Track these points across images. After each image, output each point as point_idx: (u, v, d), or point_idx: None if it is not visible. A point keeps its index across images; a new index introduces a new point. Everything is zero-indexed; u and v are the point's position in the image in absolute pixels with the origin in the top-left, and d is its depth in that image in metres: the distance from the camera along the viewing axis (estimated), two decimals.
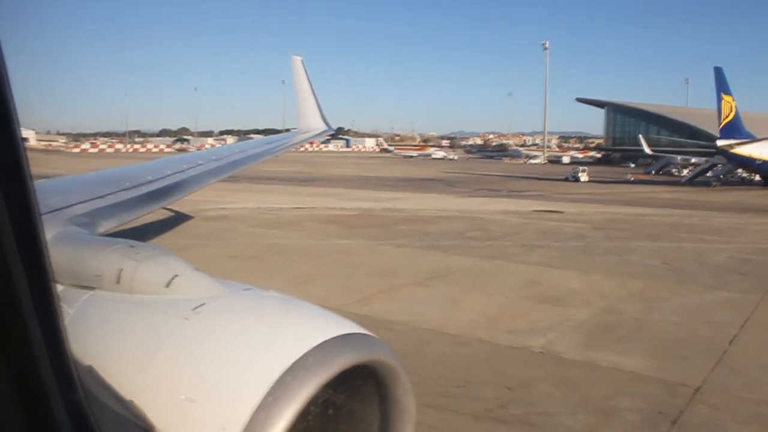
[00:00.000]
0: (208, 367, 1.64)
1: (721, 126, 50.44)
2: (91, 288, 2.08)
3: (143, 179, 5.43)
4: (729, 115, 50.15)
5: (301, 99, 17.14)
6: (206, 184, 6.72)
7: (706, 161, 56.70)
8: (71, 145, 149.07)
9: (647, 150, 67.83)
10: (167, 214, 18.40)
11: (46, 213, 3.10)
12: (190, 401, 1.58)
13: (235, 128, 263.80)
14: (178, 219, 20.10)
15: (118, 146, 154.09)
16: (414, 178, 57.47)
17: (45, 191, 3.85)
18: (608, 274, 15.80)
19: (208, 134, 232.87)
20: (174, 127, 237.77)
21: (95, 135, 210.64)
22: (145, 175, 5.61)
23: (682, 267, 16.96)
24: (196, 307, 1.82)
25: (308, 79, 17.48)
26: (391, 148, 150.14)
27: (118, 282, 2.02)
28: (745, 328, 11.41)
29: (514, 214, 28.78)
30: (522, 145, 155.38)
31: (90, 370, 1.69)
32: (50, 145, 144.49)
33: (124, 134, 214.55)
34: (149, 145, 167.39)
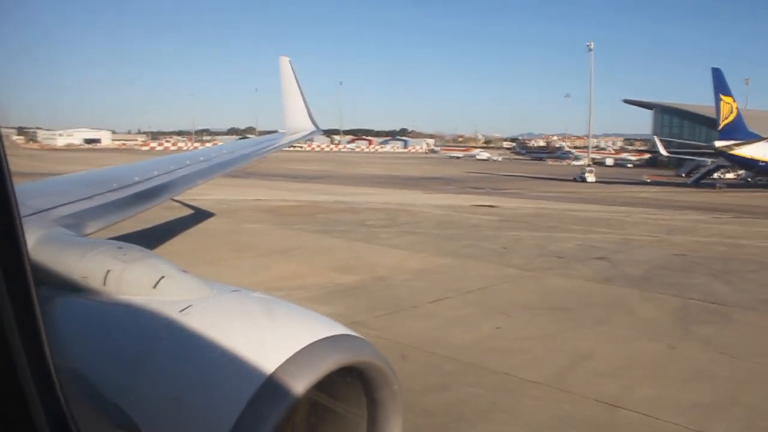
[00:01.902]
0: (195, 368, 1.66)
1: (720, 127, 50.08)
2: (78, 289, 2.07)
3: (130, 180, 5.44)
4: (729, 116, 49.74)
5: (289, 100, 17.16)
6: (194, 184, 6.66)
7: (712, 162, 55.98)
8: (142, 144, 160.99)
9: (663, 152, 67.12)
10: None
11: (31, 214, 3.14)
12: (177, 402, 1.60)
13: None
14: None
15: (180, 144, 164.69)
16: (423, 177, 59.74)
17: (31, 193, 3.89)
18: (432, 253, 18.15)
19: (273, 132, 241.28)
20: (242, 126, 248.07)
21: (171, 134, 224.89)
22: (132, 176, 5.61)
23: (512, 250, 19.07)
24: (183, 309, 1.82)
25: (296, 79, 17.56)
26: (437, 149, 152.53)
27: (104, 283, 2.02)
28: (472, 292, 13.75)
29: (448, 207, 31.03)
30: (584, 148, 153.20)
31: (75, 373, 1.67)
32: (124, 144, 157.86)
33: (194, 133, 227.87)
34: (209, 144, 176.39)
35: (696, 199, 40.61)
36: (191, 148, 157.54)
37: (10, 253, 1.22)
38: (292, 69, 17.30)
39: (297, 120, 16.56)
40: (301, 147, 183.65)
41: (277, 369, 1.57)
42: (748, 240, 22.45)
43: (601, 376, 8.99)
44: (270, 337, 1.73)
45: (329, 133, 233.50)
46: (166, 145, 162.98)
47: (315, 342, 1.67)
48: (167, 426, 1.60)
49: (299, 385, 1.56)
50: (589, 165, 70.52)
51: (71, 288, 2.08)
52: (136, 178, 5.57)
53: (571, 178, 60.00)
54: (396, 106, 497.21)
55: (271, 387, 1.54)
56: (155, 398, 1.63)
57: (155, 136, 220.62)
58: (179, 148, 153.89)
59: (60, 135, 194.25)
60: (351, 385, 1.82)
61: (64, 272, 2.14)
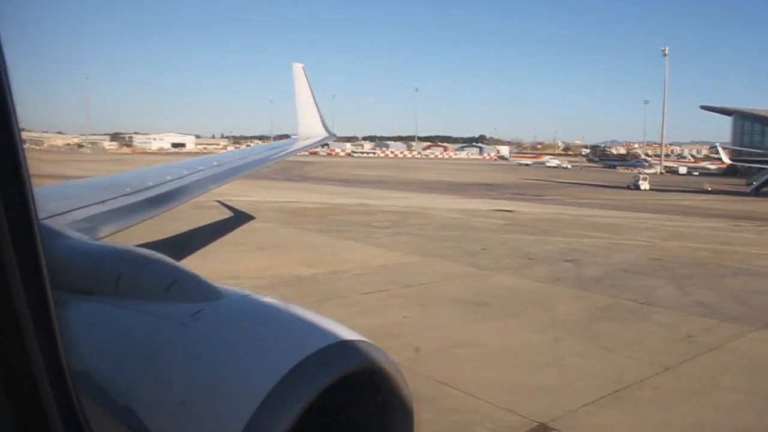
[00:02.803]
0: (206, 372, 1.67)
1: None
2: (90, 293, 2.08)
3: (144, 185, 5.46)
4: None
5: (302, 106, 17.35)
6: (207, 189, 6.72)
7: None
8: (222, 148, 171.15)
9: (725, 159, 64.15)
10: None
11: (45, 218, 3.15)
12: (188, 406, 1.61)
13: (377, 134, 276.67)
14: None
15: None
16: (472, 183, 59.99)
17: (45, 196, 3.89)
18: (408, 252, 19.00)
19: (352, 139, 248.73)
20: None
21: (251, 138, 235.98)
22: (146, 181, 5.64)
23: (490, 251, 19.60)
24: (194, 313, 1.83)
25: (309, 85, 17.73)
26: (507, 156, 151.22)
27: (116, 287, 2.04)
28: (411, 287, 14.61)
29: (466, 211, 31.61)
30: (666, 156, 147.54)
31: (87, 375, 1.68)
32: (205, 148, 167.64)
33: (272, 138, 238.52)
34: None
35: (737, 208, 39.10)
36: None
37: (28, 257, 1.25)
38: (305, 75, 17.68)
39: (310, 126, 16.91)
40: (374, 153, 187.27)
41: (286, 374, 1.57)
42: (746, 247, 21.90)
43: (457, 360, 9.69)
44: (281, 341, 1.74)
45: (406, 139, 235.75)
46: (231, 149, 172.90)
47: (326, 347, 1.67)
48: (178, 430, 1.61)
49: (310, 389, 1.56)
50: (642, 173, 68.22)
51: (84, 291, 2.09)
52: (150, 183, 5.62)
53: (625, 185, 58.61)
54: (476, 112, 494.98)
55: (280, 392, 1.55)
56: (166, 402, 1.64)
57: (237, 140, 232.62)
58: None
59: (154, 139, 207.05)
60: (361, 390, 1.80)
61: (77, 275, 2.15)
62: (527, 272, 16.53)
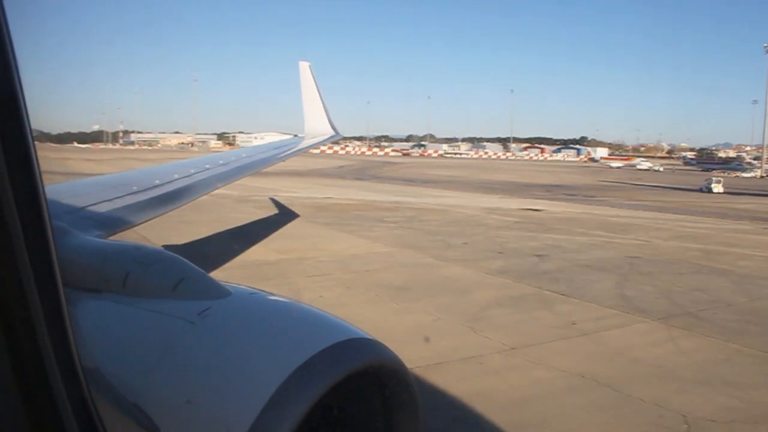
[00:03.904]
0: (213, 370, 1.68)
1: None
2: (98, 291, 2.10)
3: (151, 183, 5.48)
4: None
5: (309, 104, 17.60)
6: (214, 188, 6.74)
7: None
8: (323, 148, 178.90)
9: None
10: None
11: (54, 217, 2.89)
12: (194, 404, 1.62)
13: (476, 135, 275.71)
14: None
15: (349, 149, 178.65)
16: (536, 184, 59.12)
17: (53, 194, 3.85)
18: (388, 244, 19.98)
19: (451, 140, 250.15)
20: (420, 133, 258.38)
21: (351, 139, 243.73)
22: (153, 179, 5.66)
23: (469, 245, 20.19)
24: (202, 311, 1.84)
25: (316, 84, 17.93)
26: (597, 158, 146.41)
27: (124, 285, 2.06)
28: (357, 273, 15.71)
29: (491, 210, 31.83)
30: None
31: (96, 372, 1.70)
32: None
33: (372, 138, 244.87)
34: (387, 149, 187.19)
35: None
36: (356, 151, 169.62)
37: (41, 255, 1.25)
38: (312, 74, 17.97)
39: (316, 124, 17.24)
40: (467, 155, 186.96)
41: (294, 372, 1.57)
42: (747, 249, 21.08)
43: None
44: (287, 339, 1.75)
45: (505, 141, 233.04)
46: (336, 149, 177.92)
47: (333, 345, 1.67)
48: (185, 427, 1.62)
49: (317, 387, 1.56)
50: (717, 176, 64.53)
51: (92, 289, 2.10)
52: (157, 181, 5.64)
53: (697, 188, 55.98)
54: (578, 113, 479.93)
55: (287, 390, 1.54)
56: (173, 400, 1.64)
57: (336, 140, 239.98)
58: (347, 152, 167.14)
59: (255, 138, 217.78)
60: (368, 388, 1.81)
61: (86, 273, 2.18)
62: (484, 264, 17.09)
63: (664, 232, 24.69)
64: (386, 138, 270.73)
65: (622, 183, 66.39)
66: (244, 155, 9.54)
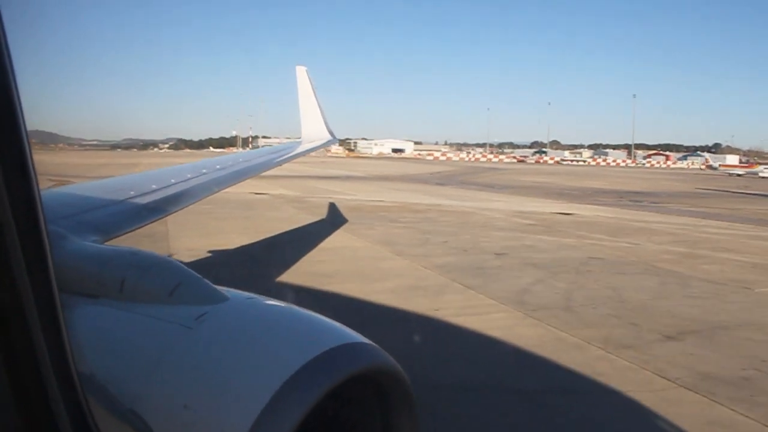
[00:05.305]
0: (210, 375, 1.71)
1: None
2: (95, 296, 2.11)
3: (148, 188, 5.50)
4: None
5: (306, 109, 18.02)
6: (210, 192, 6.72)
7: None
8: (442, 154, 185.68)
9: None
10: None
11: (50, 221, 2.91)
12: (190, 410, 1.63)
13: (602, 142, 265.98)
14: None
15: (462, 155, 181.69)
16: (619, 191, 57.00)
17: (49, 199, 3.79)
18: (370, 242, 21.40)
19: (576, 147, 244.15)
20: (544, 140, 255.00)
21: (473, 146, 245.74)
22: (150, 184, 5.68)
23: (448, 243, 21.11)
24: (198, 316, 1.87)
25: (313, 89, 18.32)
26: (715, 165, 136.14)
27: (121, 290, 2.07)
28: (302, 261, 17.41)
29: (517, 213, 32.00)
30: None
31: (92, 378, 1.70)
32: (419, 154, 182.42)
33: (494, 145, 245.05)
34: (502, 156, 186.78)
35: None
36: (469, 158, 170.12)
37: (37, 260, 1.25)
38: (309, 79, 18.45)
39: (313, 129, 17.71)
40: (585, 162, 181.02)
41: (291, 377, 1.59)
42: (729, 254, 20.17)
43: None
44: (285, 344, 1.78)
45: (635, 147, 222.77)
46: (449, 155, 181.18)
47: (331, 349, 1.70)
48: None
49: (314, 392, 1.58)
50: None
51: (88, 294, 2.10)
52: (154, 186, 5.65)
53: None
54: (710, 119, 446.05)
55: (284, 395, 1.55)
56: (171, 405, 1.66)
57: (460, 147, 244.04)
58: (448, 159, 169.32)
59: (375, 144, 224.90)
60: (365, 392, 1.83)
61: (82, 278, 2.19)
62: (432, 259, 17.98)
63: (669, 237, 23.99)
64: (510, 145, 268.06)
65: (723, 191, 62.31)
66: (241, 159, 9.64)
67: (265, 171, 10.59)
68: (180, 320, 1.90)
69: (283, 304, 2.06)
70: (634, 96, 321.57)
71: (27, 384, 1.28)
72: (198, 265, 12.02)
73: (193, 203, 6.13)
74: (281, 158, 11.88)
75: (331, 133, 18.02)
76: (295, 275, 15.39)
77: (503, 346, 10.26)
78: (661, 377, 9.01)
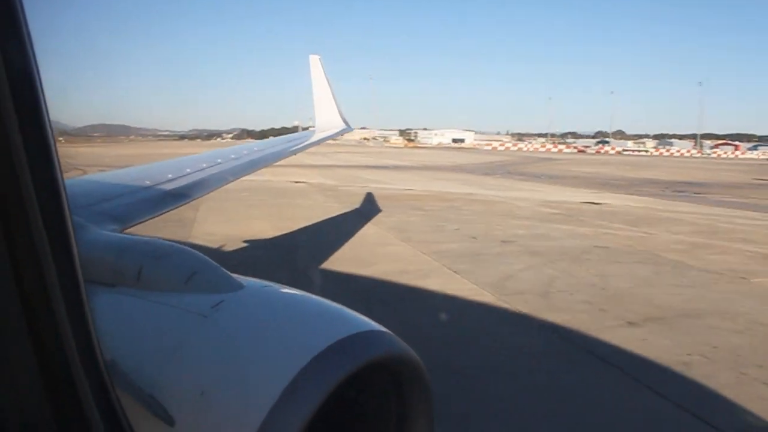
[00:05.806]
0: (226, 364, 1.72)
1: None
2: (112, 285, 2.14)
3: (164, 177, 5.57)
4: None
5: (319, 98, 18.02)
6: (226, 182, 6.81)
7: None
8: (500, 144, 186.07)
9: None
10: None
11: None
12: (207, 397, 1.65)
13: (669, 131, 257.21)
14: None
15: (521, 145, 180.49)
16: (667, 181, 55.30)
17: (68, 189, 2.81)
18: (384, 228, 22.00)
19: (641, 137, 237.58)
20: (608, 129, 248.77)
21: (534, 135, 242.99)
22: (166, 174, 5.75)
23: (460, 230, 21.44)
24: (215, 305, 1.88)
25: (326, 78, 18.29)
26: None
27: (138, 279, 2.10)
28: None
29: (544, 203, 31.80)
30: None
31: (111, 365, 1.68)
32: (476, 145, 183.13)
33: (558, 135, 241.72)
34: (561, 147, 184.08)
35: None
36: (536, 148, 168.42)
37: (62, 249, 1.27)
38: (322, 67, 18.46)
39: (327, 118, 17.68)
40: (647, 152, 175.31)
41: (307, 365, 1.60)
42: (745, 245, 19.69)
43: None
44: (301, 332, 1.79)
45: (702, 137, 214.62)
46: (507, 145, 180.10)
47: (347, 337, 1.71)
48: (198, 419, 1.65)
49: (330, 380, 1.59)
50: None
51: (106, 283, 2.13)
52: (170, 176, 5.69)
53: None
54: None
55: (301, 382, 1.57)
56: (188, 392, 1.68)
57: (521, 137, 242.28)
58: (519, 149, 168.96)
59: (435, 134, 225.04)
60: (382, 382, 1.84)
61: (100, 268, 2.22)
62: (435, 246, 18.35)
63: (690, 227, 23.50)
64: (572, 135, 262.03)
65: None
66: (255, 149, 9.63)
67: (279, 160, 10.65)
68: (196, 308, 1.91)
69: (299, 293, 2.08)
70: (700, 83, 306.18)
71: (55, 372, 1.31)
72: (208, 250, 12.94)
73: (208, 192, 6.20)
74: (295, 147, 11.97)
75: (346, 122, 18.06)
76: (292, 258, 16.16)
77: (455, 327, 10.74)
78: (602, 360, 9.28)
